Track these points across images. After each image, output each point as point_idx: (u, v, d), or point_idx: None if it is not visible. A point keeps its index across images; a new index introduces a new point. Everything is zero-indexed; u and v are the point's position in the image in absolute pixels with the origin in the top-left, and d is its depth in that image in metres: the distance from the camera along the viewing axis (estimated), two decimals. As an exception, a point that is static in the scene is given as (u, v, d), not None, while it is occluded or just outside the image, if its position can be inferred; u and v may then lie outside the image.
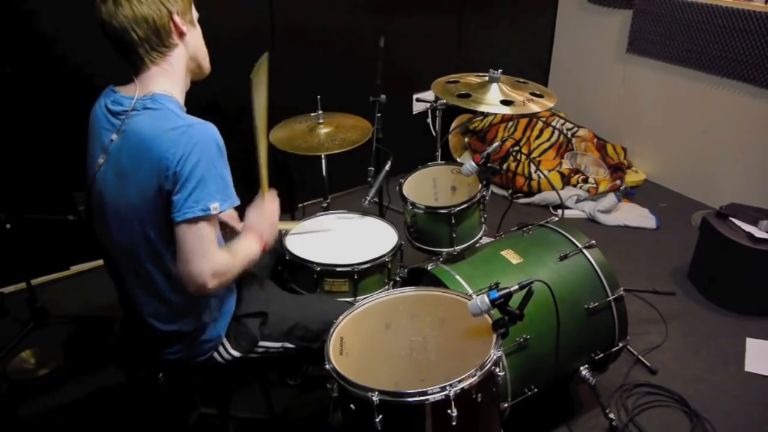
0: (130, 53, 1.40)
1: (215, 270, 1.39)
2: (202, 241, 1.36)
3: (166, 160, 1.32)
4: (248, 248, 1.54)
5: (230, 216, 1.87)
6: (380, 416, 1.31)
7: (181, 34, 1.44)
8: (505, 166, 3.52)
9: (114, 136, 1.40)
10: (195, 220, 1.34)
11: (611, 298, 1.96)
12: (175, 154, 1.31)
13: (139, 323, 1.56)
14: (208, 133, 1.36)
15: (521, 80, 2.40)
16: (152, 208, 1.38)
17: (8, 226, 2.29)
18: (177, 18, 1.41)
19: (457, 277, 1.88)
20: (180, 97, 1.47)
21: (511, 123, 3.84)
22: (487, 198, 2.21)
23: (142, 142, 1.35)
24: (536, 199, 3.57)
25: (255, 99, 1.59)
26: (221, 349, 1.63)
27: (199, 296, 1.46)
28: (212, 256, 1.39)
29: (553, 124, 3.88)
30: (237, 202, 1.43)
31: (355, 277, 1.94)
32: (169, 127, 1.34)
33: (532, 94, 2.27)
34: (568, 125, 3.91)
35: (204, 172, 1.33)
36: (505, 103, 2.21)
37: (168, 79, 1.44)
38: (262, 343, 1.67)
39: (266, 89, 1.67)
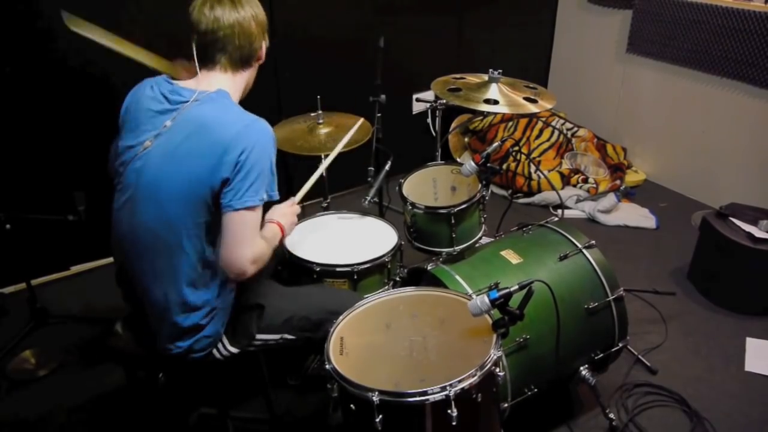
0: (215, 53, 1.52)
1: (255, 257, 1.48)
2: (250, 229, 1.47)
3: (229, 147, 1.41)
4: (274, 234, 1.65)
5: None
6: (380, 416, 1.31)
7: (258, 60, 1.62)
8: (504, 166, 3.51)
9: (168, 122, 1.48)
10: (251, 209, 1.45)
11: (611, 298, 1.96)
12: (241, 145, 1.42)
13: (144, 317, 1.59)
14: (268, 130, 1.50)
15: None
16: (197, 194, 1.44)
17: (8, 226, 2.30)
18: (264, 48, 1.61)
19: (457, 277, 1.88)
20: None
21: (510, 123, 3.84)
22: (486, 198, 2.21)
23: (205, 127, 1.45)
24: (536, 199, 3.56)
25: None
26: (220, 345, 1.65)
27: (236, 279, 1.55)
28: (255, 244, 1.48)
29: (553, 124, 3.88)
30: (278, 196, 1.53)
31: (355, 277, 1.94)
32: (234, 118, 1.47)
33: (527, 98, 2.27)
34: (568, 125, 3.91)
35: (264, 165, 1.46)
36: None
37: (232, 87, 1.56)
38: (259, 336, 1.69)
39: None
